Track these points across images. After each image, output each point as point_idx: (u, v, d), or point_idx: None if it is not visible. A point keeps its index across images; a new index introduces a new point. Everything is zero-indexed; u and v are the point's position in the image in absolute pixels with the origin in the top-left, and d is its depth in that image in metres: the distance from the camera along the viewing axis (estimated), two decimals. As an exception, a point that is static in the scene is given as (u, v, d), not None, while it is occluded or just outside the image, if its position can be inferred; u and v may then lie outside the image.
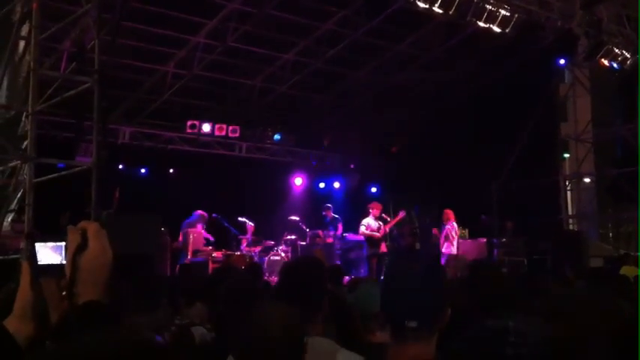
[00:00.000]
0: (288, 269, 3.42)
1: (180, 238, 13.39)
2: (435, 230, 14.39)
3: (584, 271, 8.94)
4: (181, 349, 3.64)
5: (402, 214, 14.46)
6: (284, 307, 2.28)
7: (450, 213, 14.11)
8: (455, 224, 14.07)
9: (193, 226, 13.46)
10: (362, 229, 13.56)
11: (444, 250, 13.93)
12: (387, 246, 13.99)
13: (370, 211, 13.73)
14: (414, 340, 2.00)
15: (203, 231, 13.53)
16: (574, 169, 15.58)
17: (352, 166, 19.22)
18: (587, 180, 15.94)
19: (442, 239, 14.12)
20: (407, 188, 17.41)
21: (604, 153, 15.26)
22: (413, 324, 1.98)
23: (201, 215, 13.61)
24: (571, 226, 15.64)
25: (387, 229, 13.89)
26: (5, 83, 9.58)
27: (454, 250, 13.92)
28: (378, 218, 13.71)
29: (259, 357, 2.10)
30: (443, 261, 13.62)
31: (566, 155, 15.78)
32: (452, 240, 13.92)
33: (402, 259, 2.27)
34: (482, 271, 4.09)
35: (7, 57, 9.15)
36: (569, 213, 15.72)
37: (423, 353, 2.00)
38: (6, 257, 9.16)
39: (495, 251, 14.03)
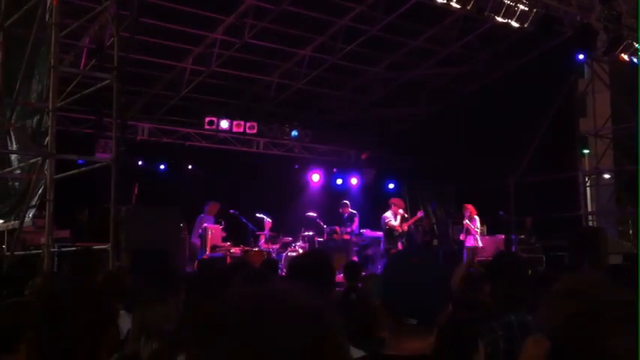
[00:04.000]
0: (294, 263, 3.46)
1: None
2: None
3: (602, 268, 8.87)
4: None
5: (420, 214, 14.46)
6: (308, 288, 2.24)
7: (467, 207, 14.01)
8: (476, 217, 13.92)
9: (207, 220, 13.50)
10: (388, 220, 13.63)
11: (466, 243, 13.83)
12: (402, 243, 14.00)
13: (391, 206, 13.81)
14: (413, 335, 2.00)
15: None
16: (593, 165, 15.44)
17: (363, 156, 19.20)
18: (606, 176, 15.80)
19: (464, 233, 14.02)
20: (424, 184, 17.39)
21: (623, 149, 15.11)
22: (413, 322, 1.98)
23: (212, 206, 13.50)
24: (590, 223, 15.51)
25: (405, 228, 13.89)
26: (38, 83, 9.70)
27: (478, 243, 13.80)
28: (397, 214, 13.74)
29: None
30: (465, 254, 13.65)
31: (586, 151, 15.63)
32: (474, 234, 13.82)
33: (405, 254, 2.28)
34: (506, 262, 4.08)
35: (27, 56, 9.25)
36: (589, 209, 15.59)
37: (421, 348, 2.01)
38: (27, 252, 9.30)
39: (513, 248, 13.95)
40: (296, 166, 17.64)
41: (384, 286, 2.12)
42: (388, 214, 13.78)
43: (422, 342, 2.02)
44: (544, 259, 13.45)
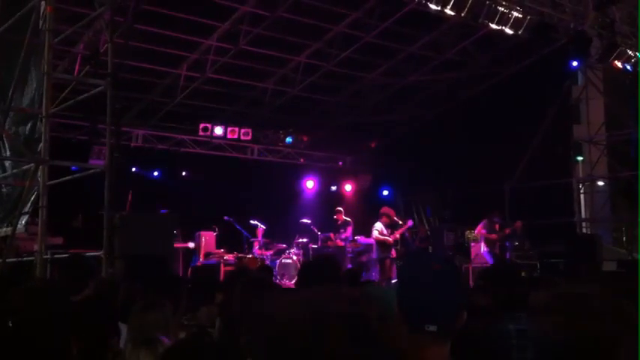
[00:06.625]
0: (305, 267, 3.46)
1: None
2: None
3: (597, 274, 8.87)
4: (203, 348, 3.63)
5: (409, 223, 14.35)
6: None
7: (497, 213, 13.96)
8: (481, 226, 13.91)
9: None
10: (375, 233, 13.49)
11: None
12: (396, 251, 13.94)
13: (382, 216, 13.65)
14: (432, 343, 2.00)
15: None
16: (587, 172, 15.47)
17: (340, 164, 19.16)
18: (600, 183, 15.83)
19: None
20: (419, 190, 17.39)
21: (618, 155, 15.14)
22: (432, 328, 1.97)
23: None
24: (584, 230, 15.53)
25: (398, 236, 13.80)
26: (32, 89, 9.67)
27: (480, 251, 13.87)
28: (389, 224, 13.62)
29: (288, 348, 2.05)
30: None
31: (580, 158, 15.66)
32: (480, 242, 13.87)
33: (420, 261, 2.24)
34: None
35: (20, 63, 9.22)
36: (583, 216, 15.61)
37: (439, 356, 2.01)
38: (20, 259, 9.24)
39: (508, 254, 13.95)
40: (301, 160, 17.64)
41: (403, 293, 2.08)
42: (378, 225, 13.57)
43: (441, 349, 2.01)
44: (538, 266, 13.45)
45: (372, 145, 18.67)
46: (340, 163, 19.27)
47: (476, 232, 14.03)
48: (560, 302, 1.71)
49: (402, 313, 2.04)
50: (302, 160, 18.31)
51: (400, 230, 13.91)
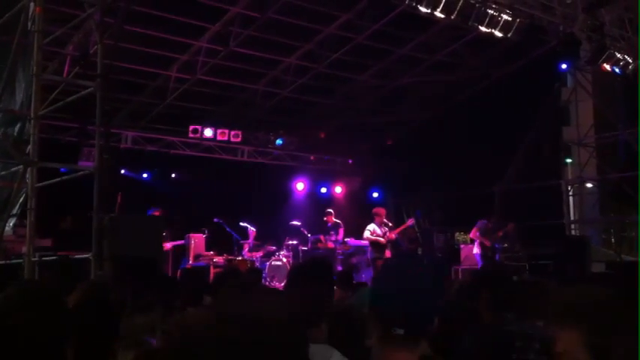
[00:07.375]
0: (296, 269, 3.46)
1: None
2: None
3: (586, 276, 8.91)
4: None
5: (410, 222, 14.41)
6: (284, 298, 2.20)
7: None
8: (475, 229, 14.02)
9: None
10: (366, 234, 13.53)
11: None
12: (390, 251, 13.98)
13: (375, 216, 13.71)
14: (399, 346, 1.97)
15: None
16: (576, 174, 15.55)
17: (350, 161, 19.24)
18: (589, 185, 15.91)
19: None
20: (409, 192, 17.42)
21: (607, 157, 15.23)
22: (400, 332, 1.95)
23: None
24: (573, 231, 15.60)
25: (394, 236, 13.82)
26: (21, 90, 9.61)
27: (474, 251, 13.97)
28: (382, 224, 13.67)
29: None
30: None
31: (569, 160, 15.74)
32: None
33: (397, 264, 2.23)
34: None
35: (9, 63, 9.16)
36: (572, 218, 15.68)
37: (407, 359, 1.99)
38: (8, 262, 9.17)
39: (497, 256, 14.00)
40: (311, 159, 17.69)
41: (375, 294, 2.08)
42: (371, 226, 13.61)
43: (409, 353, 1.98)
44: (527, 267, 13.50)
45: (363, 147, 18.68)
46: (331, 165, 19.26)
47: (471, 235, 14.08)
48: (583, 308, 1.71)
49: (373, 313, 2.04)
50: (292, 161, 18.30)
51: (399, 229, 13.99)
